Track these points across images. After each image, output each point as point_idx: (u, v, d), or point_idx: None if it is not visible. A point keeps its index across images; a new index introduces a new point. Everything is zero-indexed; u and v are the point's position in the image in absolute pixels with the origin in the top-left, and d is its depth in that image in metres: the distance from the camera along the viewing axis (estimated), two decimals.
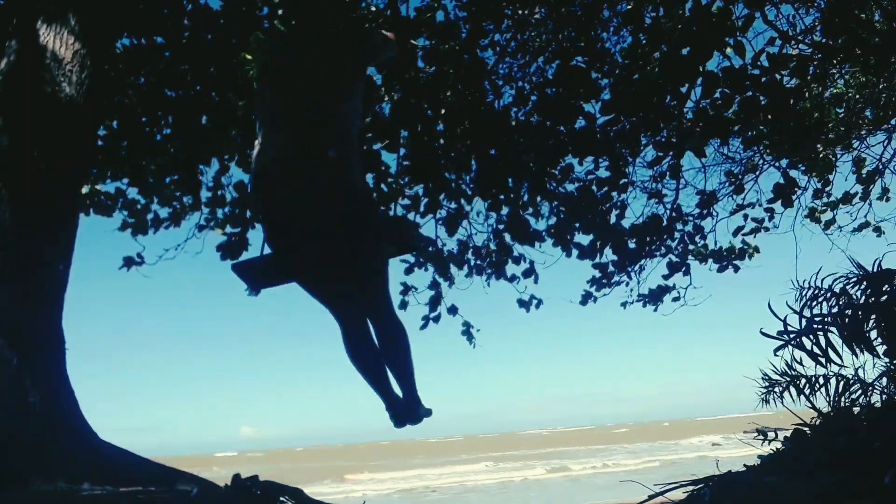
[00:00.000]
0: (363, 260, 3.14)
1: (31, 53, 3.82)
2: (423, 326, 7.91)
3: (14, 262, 3.64)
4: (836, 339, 2.77)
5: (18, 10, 3.96)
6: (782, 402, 3.27)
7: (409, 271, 7.85)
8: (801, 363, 3.12)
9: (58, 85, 3.82)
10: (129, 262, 7.12)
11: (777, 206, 7.21)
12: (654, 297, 7.96)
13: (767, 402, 3.32)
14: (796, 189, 7.12)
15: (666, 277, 7.83)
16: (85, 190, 6.46)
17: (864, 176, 8.00)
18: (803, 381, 3.14)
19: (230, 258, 6.75)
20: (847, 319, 2.65)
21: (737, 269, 7.91)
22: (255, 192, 3.07)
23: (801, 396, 3.19)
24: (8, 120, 3.74)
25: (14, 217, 3.63)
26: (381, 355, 3.30)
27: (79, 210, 4.28)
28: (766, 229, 7.76)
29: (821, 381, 3.16)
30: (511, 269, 7.84)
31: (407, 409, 3.39)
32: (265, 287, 3.46)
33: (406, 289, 7.92)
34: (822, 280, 2.90)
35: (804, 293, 2.92)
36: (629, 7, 5.81)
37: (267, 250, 3.28)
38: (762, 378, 3.33)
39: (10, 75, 3.81)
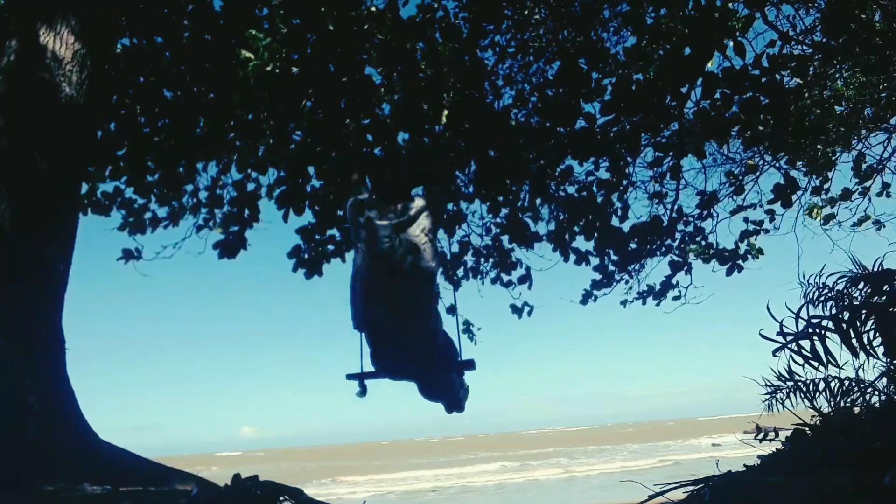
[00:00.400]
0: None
1: (31, 53, 3.82)
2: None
3: (14, 261, 3.64)
4: (834, 340, 2.76)
5: (18, 10, 3.96)
6: (783, 406, 3.27)
7: None
8: (801, 365, 3.12)
9: (58, 85, 3.82)
10: (127, 255, 7.14)
11: (777, 206, 7.20)
12: (658, 294, 7.96)
13: (771, 407, 3.31)
14: (797, 189, 7.11)
15: (669, 277, 7.83)
16: (83, 189, 6.46)
17: (863, 172, 7.99)
18: (807, 384, 3.13)
19: (227, 256, 6.80)
20: (845, 323, 2.64)
21: (740, 269, 7.90)
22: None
23: (802, 398, 3.18)
24: (8, 120, 3.74)
25: (14, 217, 3.63)
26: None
27: (79, 210, 4.28)
28: (766, 231, 7.76)
29: (821, 385, 3.16)
30: (507, 275, 7.84)
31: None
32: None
33: None
34: (826, 278, 2.90)
35: (808, 292, 2.92)
36: (629, 8, 5.81)
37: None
38: (765, 385, 3.32)
39: (10, 75, 3.81)
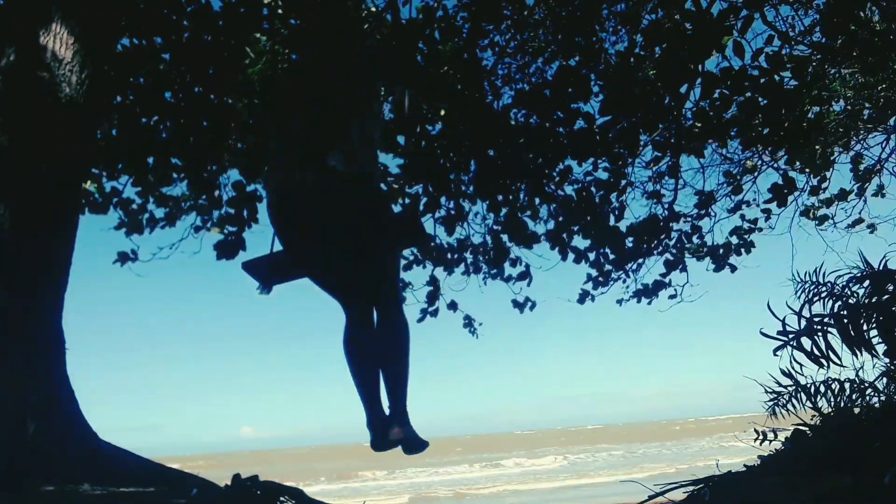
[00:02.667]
0: (375, 249, 3.23)
1: (31, 53, 3.82)
2: (420, 319, 7.96)
3: (14, 262, 3.64)
4: (836, 339, 2.76)
5: (18, 10, 3.95)
6: (787, 412, 3.27)
7: (407, 268, 7.88)
8: (801, 365, 3.12)
9: (58, 85, 3.82)
10: (123, 258, 7.14)
11: (773, 206, 7.23)
12: (649, 293, 8.00)
13: (775, 413, 3.30)
14: (794, 190, 7.13)
15: (663, 276, 7.87)
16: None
17: (861, 173, 8.02)
18: (807, 388, 3.14)
19: (226, 257, 6.76)
20: (847, 320, 2.65)
21: (733, 269, 7.93)
22: (275, 210, 3.27)
23: (804, 403, 3.19)
24: (8, 120, 3.73)
25: (14, 217, 3.63)
26: (380, 353, 3.29)
27: (79, 210, 4.27)
28: (761, 230, 7.79)
29: (822, 388, 3.16)
30: (507, 269, 7.90)
31: (396, 426, 3.28)
32: (277, 283, 3.50)
33: (404, 285, 7.95)
34: (824, 275, 2.90)
35: (805, 288, 2.92)
36: (626, 8, 5.82)
37: (276, 248, 3.39)
38: (767, 391, 3.32)
39: (10, 75, 3.80)
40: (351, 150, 3.19)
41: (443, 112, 6.21)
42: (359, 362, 3.28)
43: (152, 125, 6.16)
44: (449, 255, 7.71)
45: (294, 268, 3.40)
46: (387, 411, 3.37)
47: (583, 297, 8.11)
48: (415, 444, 3.34)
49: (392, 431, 3.27)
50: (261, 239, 8.01)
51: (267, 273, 3.45)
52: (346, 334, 3.29)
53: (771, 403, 3.31)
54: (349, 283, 3.29)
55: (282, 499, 3.43)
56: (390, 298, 3.31)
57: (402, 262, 7.82)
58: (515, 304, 8.08)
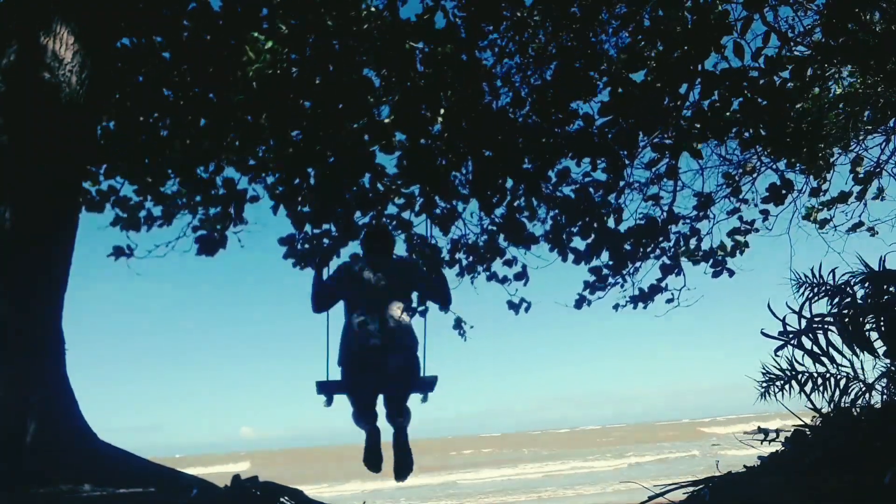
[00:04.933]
0: (407, 392, 4.49)
1: (31, 53, 3.82)
2: (423, 313, 7.89)
3: (14, 262, 3.64)
4: (836, 339, 2.77)
5: (18, 11, 3.95)
6: (781, 397, 3.26)
7: None
8: (801, 363, 3.12)
9: (58, 85, 3.82)
10: (118, 252, 7.09)
11: (771, 206, 7.22)
12: (646, 297, 7.94)
13: (765, 396, 3.31)
14: (791, 190, 7.13)
15: (659, 280, 7.81)
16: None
17: (861, 176, 8.00)
18: (804, 376, 3.13)
19: (206, 253, 6.84)
20: (847, 319, 2.65)
21: (731, 273, 7.89)
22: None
23: (801, 395, 3.19)
24: (8, 120, 3.73)
25: (14, 217, 3.63)
26: (387, 416, 4.41)
27: (79, 210, 4.27)
28: (757, 230, 7.76)
29: (819, 380, 3.16)
30: (503, 270, 7.83)
31: (399, 448, 4.37)
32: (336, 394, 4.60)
33: None
34: (828, 275, 2.90)
35: (804, 287, 2.92)
36: (626, 10, 5.82)
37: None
38: (762, 373, 3.33)
39: (10, 75, 3.80)
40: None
41: (441, 111, 6.21)
42: (367, 422, 4.37)
43: (151, 123, 6.16)
44: (445, 257, 7.66)
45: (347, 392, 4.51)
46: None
47: (579, 301, 8.07)
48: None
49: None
50: (262, 238, 7.97)
51: (333, 393, 4.56)
52: (360, 413, 4.41)
53: (765, 385, 3.31)
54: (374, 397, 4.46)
55: (282, 499, 3.44)
56: (403, 407, 4.46)
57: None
58: (511, 305, 8.01)
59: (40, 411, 3.49)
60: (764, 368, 3.29)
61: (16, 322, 3.58)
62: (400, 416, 4.36)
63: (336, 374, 4.55)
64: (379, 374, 4.29)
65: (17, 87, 3.79)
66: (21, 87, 3.79)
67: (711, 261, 7.78)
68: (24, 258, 3.65)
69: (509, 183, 6.79)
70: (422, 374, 4.56)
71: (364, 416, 4.34)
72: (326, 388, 4.55)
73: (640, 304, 7.98)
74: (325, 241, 6.93)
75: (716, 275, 7.87)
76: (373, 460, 4.25)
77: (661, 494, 2.88)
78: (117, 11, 4.48)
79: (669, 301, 7.96)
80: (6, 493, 3.16)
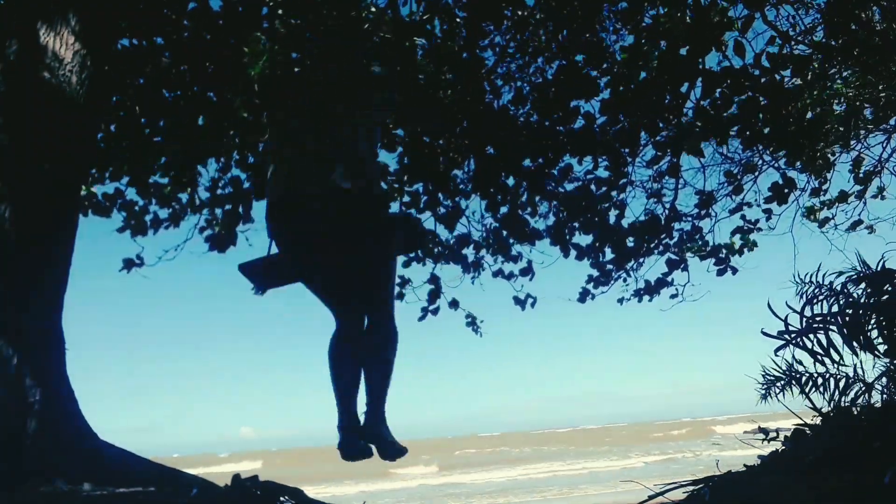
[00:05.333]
0: (372, 258, 3.21)
1: (31, 53, 3.82)
2: (422, 318, 7.92)
3: (14, 261, 3.64)
4: (837, 339, 2.76)
5: (18, 10, 3.95)
6: (782, 397, 3.27)
7: (407, 265, 7.85)
8: (801, 363, 3.12)
9: (58, 85, 3.82)
10: (129, 264, 7.13)
11: (774, 206, 7.22)
12: (651, 290, 7.96)
13: (766, 397, 3.31)
14: (794, 188, 7.12)
15: (665, 275, 7.84)
16: (83, 191, 6.46)
17: (861, 175, 8.00)
18: (805, 377, 3.13)
19: (218, 250, 6.84)
20: (848, 318, 2.65)
21: (735, 271, 7.90)
22: (275, 213, 3.21)
23: (801, 395, 3.18)
24: (8, 120, 3.73)
25: (14, 217, 3.63)
26: (366, 358, 3.27)
27: (79, 210, 4.27)
28: (761, 230, 7.76)
29: (820, 380, 3.16)
30: (508, 266, 7.87)
31: (371, 432, 3.30)
32: (271, 286, 3.52)
33: (403, 282, 7.93)
34: (824, 276, 2.90)
35: (804, 290, 2.92)
36: (627, 6, 5.82)
37: (273, 250, 3.37)
38: (762, 374, 3.32)
39: (10, 75, 3.80)
40: (354, 164, 3.16)
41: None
42: (340, 375, 3.25)
43: (151, 123, 6.16)
44: (448, 251, 7.67)
45: (290, 272, 3.36)
46: (362, 419, 3.36)
47: (583, 295, 8.09)
48: (392, 450, 3.33)
49: (367, 435, 3.26)
50: (261, 238, 8.01)
51: (263, 275, 3.45)
52: (334, 344, 3.25)
53: (765, 387, 3.30)
54: (345, 292, 3.23)
55: (282, 499, 3.43)
56: (383, 306, 3.27)
57: (402, 259, 7.80)
58: (517, 300, 8.04)
59: (40, 411, 3.48)
60: (764, 371, 3.29)
61: (16, 322, 3.58)
62: (377, 341, 3.25)
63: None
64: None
65: (17, 86, 3.79)
66: (21, 87, 3.79)
67: (715, 259, 7.79)
68: (24, 258, 3.65)
69: (511, 180, 6.81)
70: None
71: (338, 358, 3.23)
72: (250, 270, 3.46)
73: (646, 297, 8.01)
74: None
75: (720, 273, 7.87)
76: (350, 452, 3.35)
77: (661, 494, 2.88)
78: (118, 11, 4.47)
79: (674, 296, 7.98)
80: (6, 492, 3.16)
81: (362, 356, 3.27)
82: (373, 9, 5.84)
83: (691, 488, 2.81)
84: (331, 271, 3.23)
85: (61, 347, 3.85)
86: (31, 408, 3.48)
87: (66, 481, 3.30)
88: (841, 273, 2.86)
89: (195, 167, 6.66)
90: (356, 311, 3.27)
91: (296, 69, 5.64)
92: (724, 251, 7.77)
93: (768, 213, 7.60)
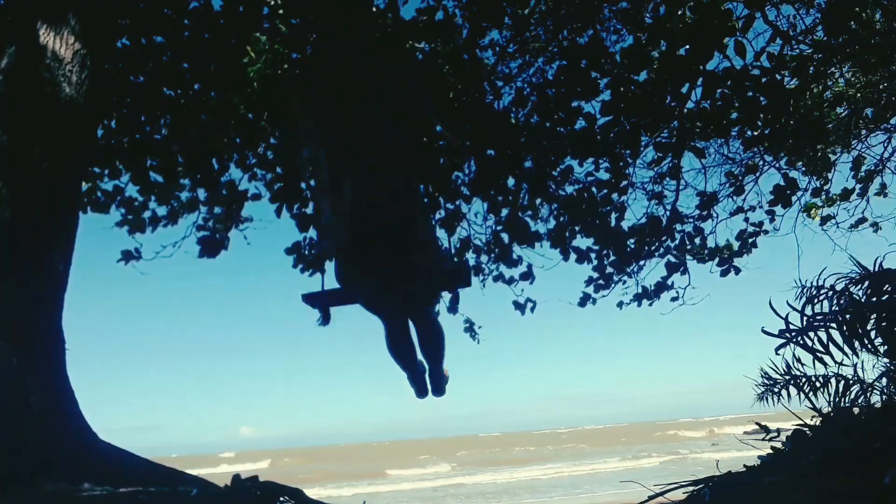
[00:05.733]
0: (425, 297, 3.74)
1: (31, 53, 3.82)
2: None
3: (14, 261, 3.64)
4: (837, 338, 2.75)
5: (18, 10, 3.96)
6: (780, 400, 3.26)
7: None
8: (801, 363, 3.11)
9: (58, 85, 3.82)
10: (127, 256, 7.14)
11: (777, 207, 7.20)
12: (650, 295, 7.93)
13: (764, 398, 3.31)
14: (796, 190, 7.11)
15: (665, 278, 7.81)
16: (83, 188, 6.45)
17: (862, 174, 7.99)
18: (803, 379, 3.13)
19: (208, 255, 6.84)
20: (848, 318, 2.64)
21: (738, 271, 7.88)
22: (341, 252, 3.41)
23: (801, 396, 3.18)
24: (8, 120, 3.74)
25: (14, 216, 3.63)
26: (420, 346, 3.81)
27: (79, 209, 4.28)
28: (766, 232, 7.74)
29: (820, 381, 3.16)
30: (509, 271, 7.85)
31: (433, 380, 3.96)
32: (333, 306, 3.81)
33: None
34: (825, 280, 2.90)
35: (806, 291, 2.92)
36: (628, 7, 5.81)
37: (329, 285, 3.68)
38: (762, 375, 3.32)
39: (10, 75, 3.80)
40: (426, 222, 3.54)
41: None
42: (402, 360, 3.85)
43: (152, 123, 6.17)
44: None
45: (351, 299, 3.67)
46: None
47: (584, 300, 8.06)
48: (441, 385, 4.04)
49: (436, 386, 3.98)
50: (261, 238, 7.99)
51: (327, 304, 3.78)
52: (391, 345, 3.77)
53: (763, 390, 3.30)
54: (398, 312, 3.70)
55: (282, 499, 3.43)
56: (431, 320, 3.82)
57: None
58: (517, 305, 8.01)
59: (40, 411, 3.49)
60: (763, 372, 3.29)
61: (16, 321, 3.59)
62: (429, 336, 3.74)
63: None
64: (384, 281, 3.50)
65: (17, 86, 3.79)
66: (21, 87, 3.79)
67: (718, 259, 7.76)
68: (23, 258, 3.66)
69: (511, 182, 6.79)
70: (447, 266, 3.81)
71: (396, 349, 3.75)
72: (315, 300, 3.77)
73: (646, 301, 7.97)
74: None
75: (723, 273, 7.85)
76: (420, 391, 4.02)
77: (661, 494, 2.87)
78: (117, 11, 4.48)
79: (674, 300, 7.95)
80: (6, 492, 3.16)
81: (414, 348, 3.82)
82: (373, 9, 5.84)
83: (691, 488, 2.80)
84: (392, 303, 3.65)
85: (61, 347, 3.85)
86: (30, 407, 3.48)
87: (66, 481, 3.30)
88: (839, 276, 2.86)
89: (210, 164, 6.63)
90: (404, 322, 3.76)
91: (295, 70, 5.65)
92: (726, 252, 7.75)
93: (771, 213, 7.59)
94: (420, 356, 3.90)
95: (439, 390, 4.06)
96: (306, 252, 6.91)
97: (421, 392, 4.03)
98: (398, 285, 3.44)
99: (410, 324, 3.76)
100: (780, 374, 3.21)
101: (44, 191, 3.79)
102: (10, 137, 3.71)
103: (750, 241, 7.74)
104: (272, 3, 5.62)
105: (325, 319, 3.78)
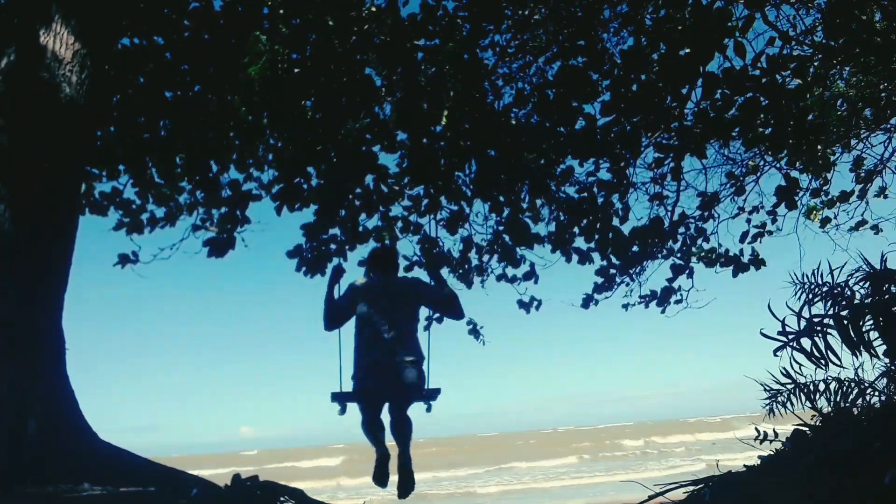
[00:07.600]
0: (409, 403, 4.77)
1: (31, 53, 3.82)
2: (427, 327, 7.88)
3: (14, 262, 3.64)
4: (835, 340, 2.75)
5: (18, 10, 3.96)
6: (785, 410, 3.26)
7: (408, 269, 7.81)
8: (801, 364, 3.11)
9: (58, 85, 3.82)
10: (124, 260, 7.11)
11: (780, 208, 7.19)
12: (660, 299, 7.89)
13: (773, 411, 3.31)
14: (798, 190, 7.08)
15: (670, 280, 7.77)
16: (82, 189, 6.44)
17: (862, 175, 7.98)
18: (804, 386, 3.13)
19: (216, 255, 6.84)
20: (846, 320, 2.63)
21: (746, 268, 7.85)
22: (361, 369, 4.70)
23: (801, 398, 3.18)
24: (8, 120, 3.74)
25: (14, 218, 3.63)
26: (392, 431, 4.69)
27: (79, 210, 4.28)
28: (770, 233, 7.72)
29: (821, 386, 3.15)
30: (512, 270, 7.82)
31: (401, 474, 4.66)
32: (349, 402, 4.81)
33: None
34: (823, 275, 2.89)
35: (805, 288, 2.91)
36: (628, 9, 5.80)
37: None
38: (764, 389, 3.32)
39: (10, 75, 3.81)
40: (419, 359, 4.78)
41: (445, 111, 6.18)
42: (374, 435, 4.71)
43: (151, 124, 6.16)
44: (456, 263, 7.62)
45: (361, 402, 4.76)
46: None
47: (586, 301, 8.03)
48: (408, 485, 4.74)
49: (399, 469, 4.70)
50: (261, 238, 7.98)
51: (347, 402, 4.74)
52: (368, 424, 4.73)
53: (769, 401, 3.30)
54: (381, 407, 4.74)
55: (282, 499, 3.44)
56: (407, 419, 4.72)
57: (405, 263, 7.77)
58: (521, 304, 7.97)
59: (40, 410, 3.49)
60: (765, 385, 3.29)
61: (16, 322, 3.59)
62: (402, 425, 4.69)
63: (349, 386, 4.84)
64: (388, 385, 4.63)
65: (17, 86, 3.79)
66: (21, 87, 3.79)
67: (733, 265, 7.76)
68: (24, 258, 3.66)
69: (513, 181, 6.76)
70: (426, 386, 4.86)
71: (372, 428, 4.70)
72: (340, 398, 4.84)
73: (655, 304, 7.95)
74: (333, 246, 6.93)
75: (735, 273, 7.84)
76: (381, 479, 4.74)
77: (661, 494, 2.88)
78: (117, 11, 4.48)
79: (678, 302, 7.92)
80: (6, 492, 3.16)
81: (391, 427, 4.73)
82: (373, 9, 5.82)
83: (691, 488, 2.80)
84: (384, 402, 4.74)
85: (61, 347, 3.85)
86: (31, 407, 3.49)
87: (66, 481, 3.30)
88: (841, 272, 2.85)
89: (209, 166, 6.63)
90: (380, 412, 4.75)
91: (295, 70, 5.64)
92: (732, 260, 7.73)
93: (773, 214, 7.57)
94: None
95: (405, 492, 4.72)
96: (307, 255, 6.91)
97: (382, 480, 4.74)
98: (394, 395, 4.66)
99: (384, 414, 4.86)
100: (782, 384, 3.21)
101: (44, 191, 3.79)
102: (10, 137, 3.71)
103: (758, 254, 7.72)
104: (272, 3, 5.61)
105: (343, 411, 4.78)
